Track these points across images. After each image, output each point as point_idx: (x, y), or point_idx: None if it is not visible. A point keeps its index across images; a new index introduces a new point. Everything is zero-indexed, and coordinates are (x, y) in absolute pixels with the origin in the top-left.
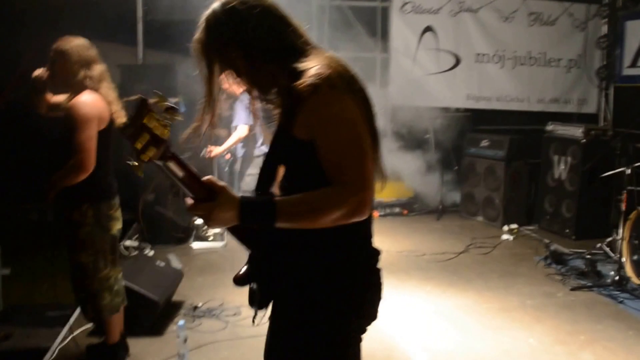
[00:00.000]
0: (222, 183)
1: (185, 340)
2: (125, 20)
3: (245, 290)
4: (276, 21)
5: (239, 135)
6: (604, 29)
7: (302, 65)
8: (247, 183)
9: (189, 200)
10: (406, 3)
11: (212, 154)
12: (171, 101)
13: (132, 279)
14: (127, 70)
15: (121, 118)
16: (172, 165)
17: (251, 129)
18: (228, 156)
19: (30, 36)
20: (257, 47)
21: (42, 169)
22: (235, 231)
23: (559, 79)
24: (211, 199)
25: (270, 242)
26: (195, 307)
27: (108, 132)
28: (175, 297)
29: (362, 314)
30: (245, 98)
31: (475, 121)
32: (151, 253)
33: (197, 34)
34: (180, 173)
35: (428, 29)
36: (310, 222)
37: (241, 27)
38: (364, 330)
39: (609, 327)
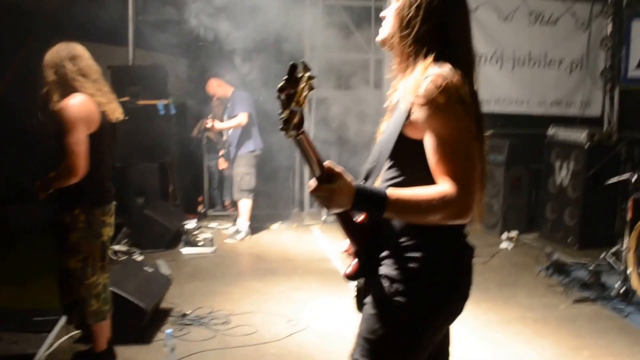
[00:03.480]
0: (340, 168)
1: (172, 349)
2: (115, 20)
3: (232, 298)
4: (464, 16)
5: (239, 120)
6: (609, 29)
7: (432, 65)
8: (247, 182)
9: (312, 182)
10: None
11: (214, 127)
12: (161, 103)
13: (120, 285)
14: (117, 71)
15: (116, 116)
16: (305, 140)
17: (250, 117)
18: (225, 166)
19: (24, 36)
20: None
21: (29, 171)
22: (344, 222)
23: (561, 81)
24: (330, 182)
25: (375, 235)
26: (184, 315)
27: (100, 135)
28: (164, 304)
29: (452, 306)
30: (242, 91)
31: None
32: (140, 258)
33: None
34: (308, 151)
35: None
36: (415, 219)
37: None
38: (451, 320)
39: (614, 342)
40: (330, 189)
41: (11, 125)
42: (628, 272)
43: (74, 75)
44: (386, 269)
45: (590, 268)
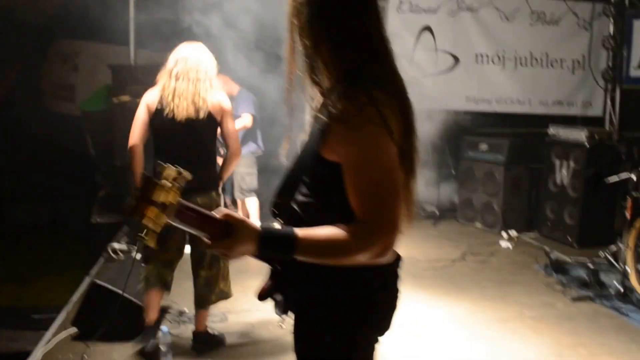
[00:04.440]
0: (239, 216)
1: (169, 347)
2: (116, 19)
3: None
4: (373, 22)
5: (244, 123)
6: (610, 29)
7: (350, 83)
8: (248, 183)
9: (206, 240)
10: (403, 2)
11: None
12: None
13: (117, 283)
14: (118, 70)
15: (183, 115)
16: (184, 219)
17: (254, 120)
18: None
19: (26, 36)
20: (343, 38)
21: (29, 169)
22: None
23: (563, 81)
24: (229, 234)
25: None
26: (182, 313)
27: (157, 124)
28: (162, 302)
29: (373, 324)
30: (247, 91)
31: (475, 124)
32: (139, 256)
33: None
34: (193, 222)
35: (426, 28)
36: (328, 262)
37: (344, 11)
38: (375, 340)
39: (612, 340)
40: (228, 244)
41: (12, 125)
42: (627, 270)
43: (162, 73)
44: (297, 293)
45: (590, 267)
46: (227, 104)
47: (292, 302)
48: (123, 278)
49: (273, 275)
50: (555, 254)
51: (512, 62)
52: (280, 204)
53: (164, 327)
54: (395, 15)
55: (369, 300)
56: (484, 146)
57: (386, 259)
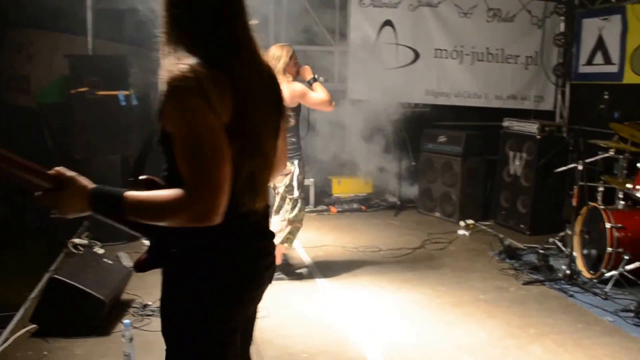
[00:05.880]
0: (71, 173)
1: (131, 340)
2: (74, 8)
3: None
4: (222, 13)
5: None
6: (562, 27)
7: (182, 58)
8: None
9: (37, 193)
10: None
11: None
12: (122, 93)
13: (77, 277)
14: (76, 60)
15: None
16: (2, 164)
17: None
18: None
19: None
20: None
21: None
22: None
23: (517, 76)
24: (60, 190)
25: (153, 228)
26: (145, 306)
27: None
28: (125, 296)
29: (237, 298)
30: None
31: (433, 117)
32: (101, 251)
33: None
34: (12, 169)
35: (387, 23)
36: (155, 222)
37: None
38: (244, 309)
39: (559, 320)
40: (56, 196)
41: None
42: (574, 254)
43: None
44: (167, 266)
45: (540, 252)
46: (298, 89)
47: (165, 273)
48: (81, 272)
49: (150, 249)
50: (509, 241)
51: (470, 57)
52: (137, 178)
53: (126, 321)
54: (357, 9)
55: (232, 279)
56: (442, 138)
57: (235, 232)
